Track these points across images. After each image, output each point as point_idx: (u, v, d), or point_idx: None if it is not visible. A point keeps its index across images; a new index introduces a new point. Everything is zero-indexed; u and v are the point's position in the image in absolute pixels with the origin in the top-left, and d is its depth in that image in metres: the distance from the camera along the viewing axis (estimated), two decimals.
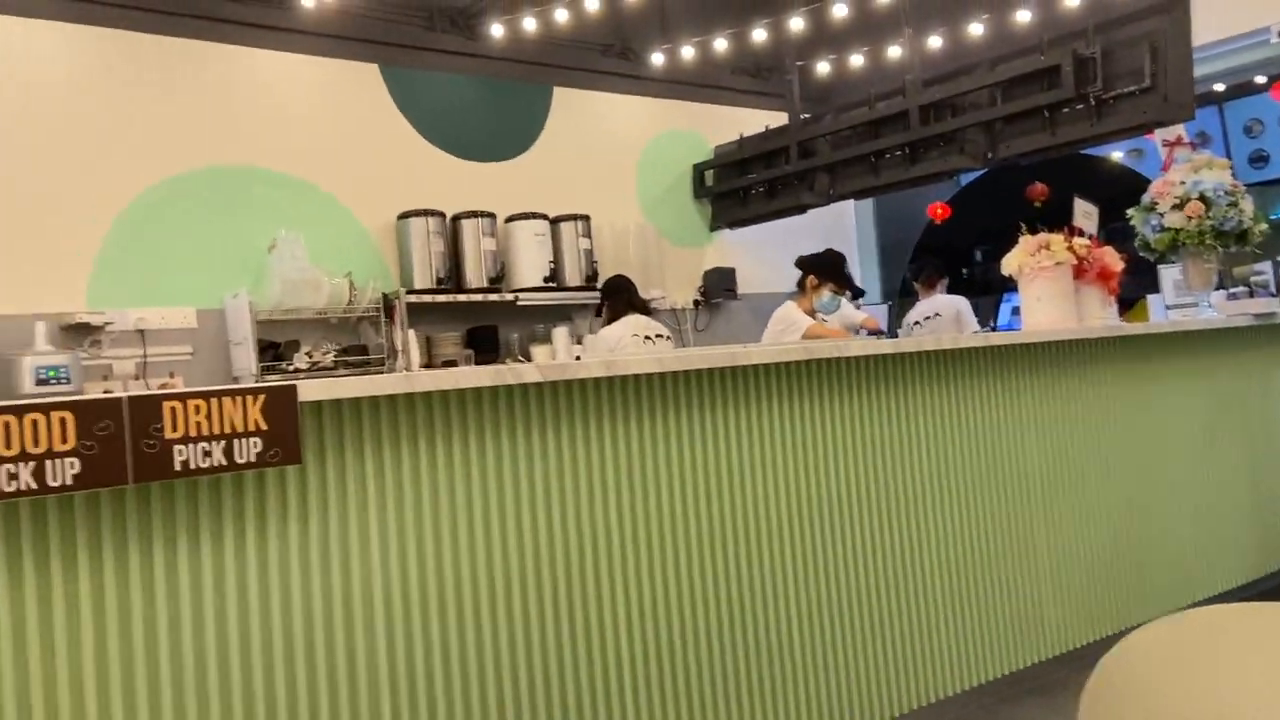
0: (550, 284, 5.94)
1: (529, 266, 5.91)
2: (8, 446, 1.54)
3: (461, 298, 5.71)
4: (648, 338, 4.49)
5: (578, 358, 5.30)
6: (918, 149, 5.70)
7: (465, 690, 2.11)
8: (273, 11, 5.48)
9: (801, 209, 6.56)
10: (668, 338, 4.65)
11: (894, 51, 6.28)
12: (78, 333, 4.75)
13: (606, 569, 2.34)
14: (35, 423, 1.57)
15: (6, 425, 1.55)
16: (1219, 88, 6.81)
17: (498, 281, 5.83)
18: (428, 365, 5.49)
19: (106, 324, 4.80)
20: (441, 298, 5.62)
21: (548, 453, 2.28)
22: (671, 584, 2.44)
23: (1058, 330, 3.53)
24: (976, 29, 6.02)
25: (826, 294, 4.35)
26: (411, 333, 5.34)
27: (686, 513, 2.49)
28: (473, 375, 2.17)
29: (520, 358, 5.94)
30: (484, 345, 5.84)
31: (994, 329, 7.08)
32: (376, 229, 5.72)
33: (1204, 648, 1.21)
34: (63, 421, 1.59)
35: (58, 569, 1.69)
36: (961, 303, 5.81)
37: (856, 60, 6.47)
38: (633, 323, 4.56)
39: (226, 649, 1.84)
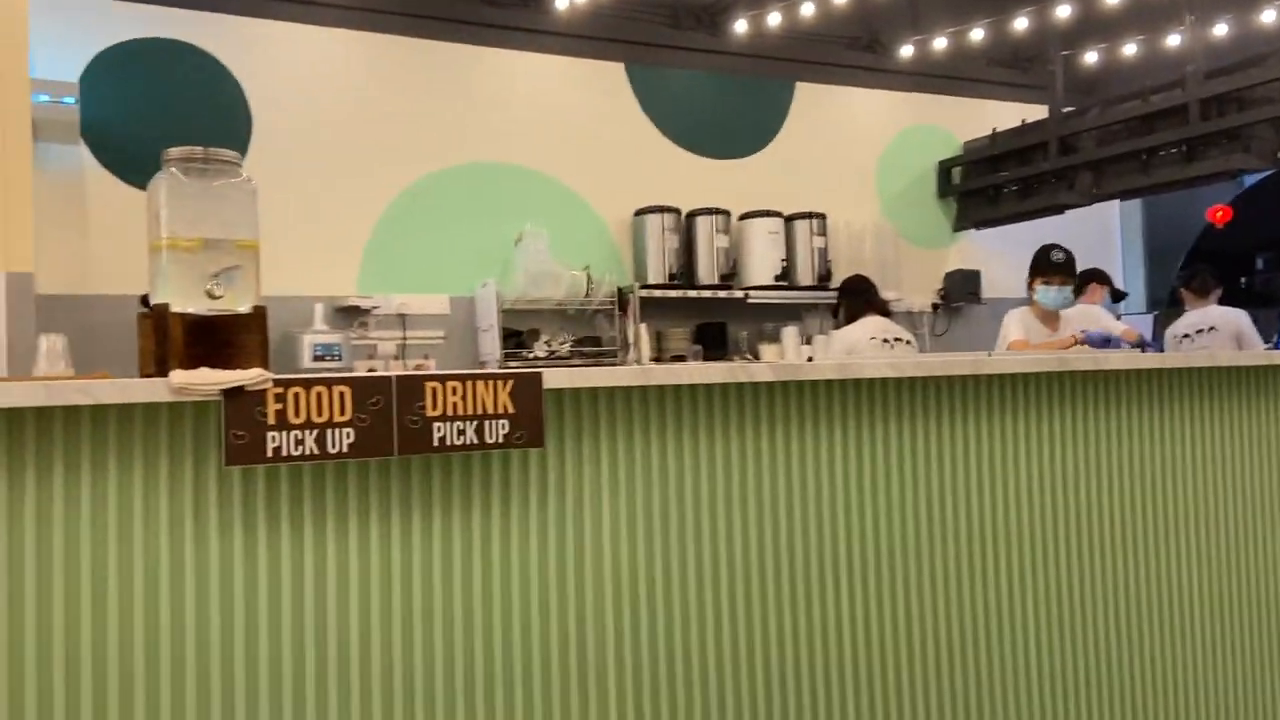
0: (782, 283, 5.91)
1: (761, 264, 5.91)
2: (297, 415, 1.72)
3: (693, 294, 5.79)
4: (886, 340, 4.37)
5: (809, 359, 5.25)
6: (1196, 146, 5.21)
7: (687, 678, 2.15)
8: (527, 14, 5.78)
9: (1059, 209, 6.17)
10: (909, 342, 4.50)
11: (1172, 40, 5.77)
12: (348, 315, 5.22)
13: (832, 573, 2.31)
14: (320, 395, 1.74)
15: (297, 396, 1.72)
16: None
17: (729, 279, 5.87)
18: (657, 359, 5.62)
19: (373, 308, 5.24)
20: (673, 293, 5.73)
21: (776, 452, 2.27)
22: (899, 598, 2.37)
23: None
24: (1269, 16, 5.43)
25: (1039, 288, 4.05)
26: (643, 326, 5.48)
27: (917, 527, 2.41)
28: (706, 371, 2.20)
29: (748, 356, 5.96)
30: (713, 342, 5.90)
31: (1277, 347, 6.36)
32: (614, 224, 5.91)
33: None
34: (342, 395, 1.75)
35: (332, 529, 1.87)
36: (1242, 317, 5.24)
37: (1129, 49, 5.99)
38: (872, 324, 4.44)
39: (471, 611, 1.97)
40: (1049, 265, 4.03)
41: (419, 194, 5.48)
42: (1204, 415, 2.81)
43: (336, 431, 1.75)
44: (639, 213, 5.82)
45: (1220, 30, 5.58)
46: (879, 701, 2.34)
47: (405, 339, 5.32)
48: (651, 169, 6.01)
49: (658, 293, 5.67)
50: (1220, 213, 8.19)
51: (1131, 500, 2.68)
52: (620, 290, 5.52)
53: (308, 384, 1.74)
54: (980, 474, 2.49)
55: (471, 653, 1.97)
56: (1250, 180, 8.76)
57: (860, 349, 4.34)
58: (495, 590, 2.00)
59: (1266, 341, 5.89)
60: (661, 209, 5.75)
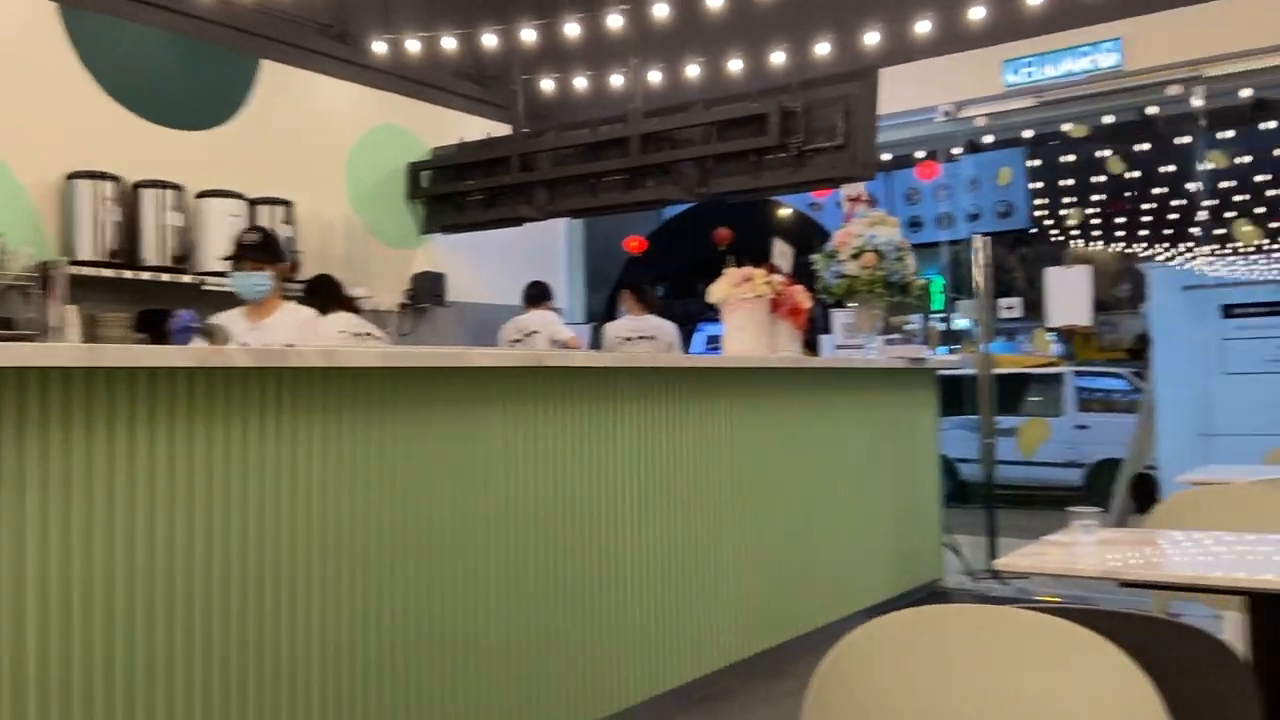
0: None
1: (220, 248, 5.40)
2: None
3: (135, 275, 5.11)
4: (357, 334, 4.26)
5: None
6: (636, 176, 5.90)
7: (129, 688, 1.86)
8: None
9: (518, 221, 6.57)
10: (380, 337, 4.44)
11: (617, 80, 6.48)
12: None
13: (305, 575, 2.16)
14: None
15: None
16: (887, 156, 7.68)
17: (182, 261, 5.28)
18: None
19: None
20: (112, 273, 5.01)
21: (248, 443, 2.07)
22: (358, 585, 2.30)
23: (758, 358, 3.77)
24: (693, 70, 6.37)
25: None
26: (72, 309, 4.69)
27: (382, 514, 2.36)
28: (170, 354, 1.93)
29: None
30: (160, 330, 5.26)
31: None
32: (37, 187, 4.99)
33: (917, 644, 1.31)
34: None
35: None
36: (673, 330, 6.06)
37: (581, 82, 6.60)
38: (342, 319, 4.31)
39: None
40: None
41: None
42: (643, 409, 3.17)
43: None
44: (71, 176, 4.98)
45: (656, 77, 6.40)
46: (329, 685, 2.25)
47: None
48: (88, 129, 5.18)
49: (92, 271, 4.89)
50: (636, 243, 9.44)
51: (578, 483, 2.92)
52: (44, 265, 4.66)
53: None
54: (451, 462, 2.52)
55: None
56: (668, 213, 10.20)
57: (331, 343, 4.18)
58: None
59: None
60: (99, 175, 4.98)
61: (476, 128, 6.93)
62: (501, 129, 6.93)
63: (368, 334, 4.36)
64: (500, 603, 2.59)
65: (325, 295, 4.51)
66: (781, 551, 3.80)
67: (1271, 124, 6.77)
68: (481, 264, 7.25)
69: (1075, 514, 2.18)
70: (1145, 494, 6.21)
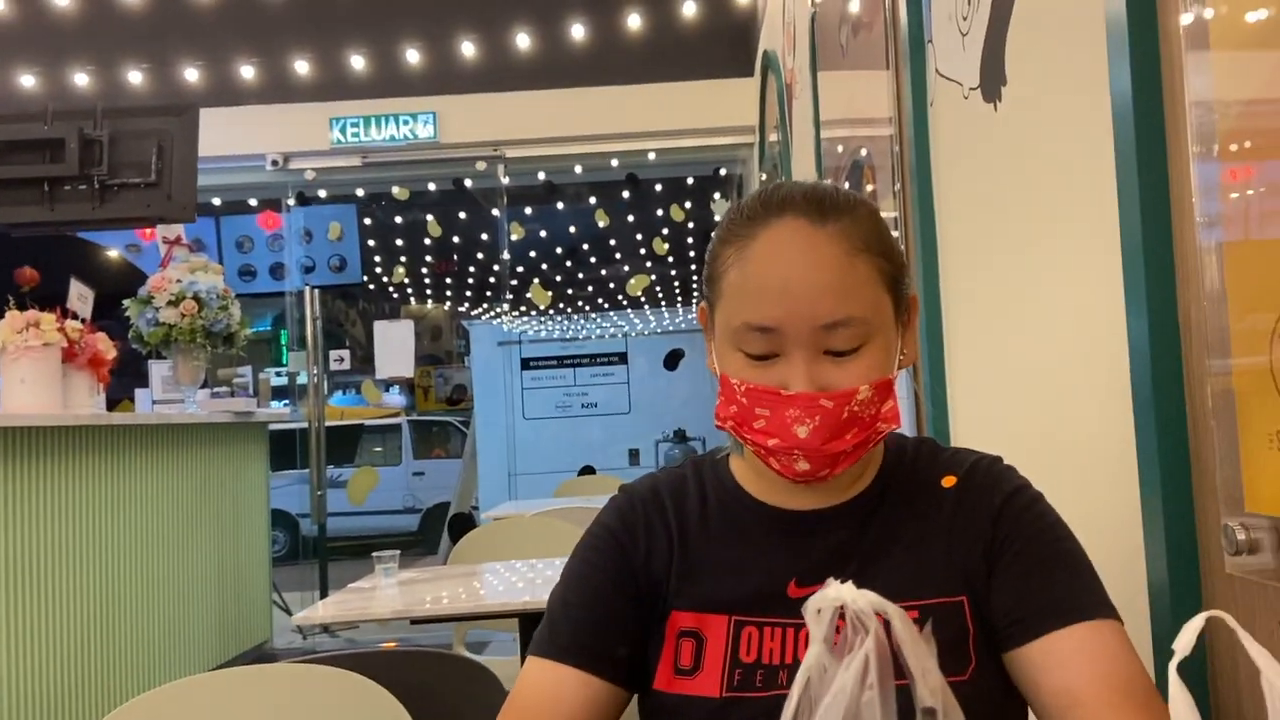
0: None
1: None
2: None
3: None
4: None
5: None
6: None
7: None
8: None
9: None
10: None
11: None
12: None
13: None
14: None
15: None
16: (217, 201, 7.34)
17: None
18: None
19: None
20: None
21: None
22: None
23: (45, 415, 3.26)
24: None
25: None
26: None
27: None
28: None
29: None
30: None
31: None
32: None
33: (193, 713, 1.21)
34: None
35: None
36: None
37: None
38: None
39: None
40: None
41: None
42: None
43: None
44: None
45: None
46: None
47: None
48: None
49: None
50: None
51: None
52: None
53: None
54: None
55: None
56: None
57: None
58: None
59: None
60: None
61: None
62: None
63: None
64: None
65: None
66: (81, 635, 3.29)
67: (560, 204, 7.98)
68: None
69: (377, 558, 2.24)
70: (463, 532, 6.75)
